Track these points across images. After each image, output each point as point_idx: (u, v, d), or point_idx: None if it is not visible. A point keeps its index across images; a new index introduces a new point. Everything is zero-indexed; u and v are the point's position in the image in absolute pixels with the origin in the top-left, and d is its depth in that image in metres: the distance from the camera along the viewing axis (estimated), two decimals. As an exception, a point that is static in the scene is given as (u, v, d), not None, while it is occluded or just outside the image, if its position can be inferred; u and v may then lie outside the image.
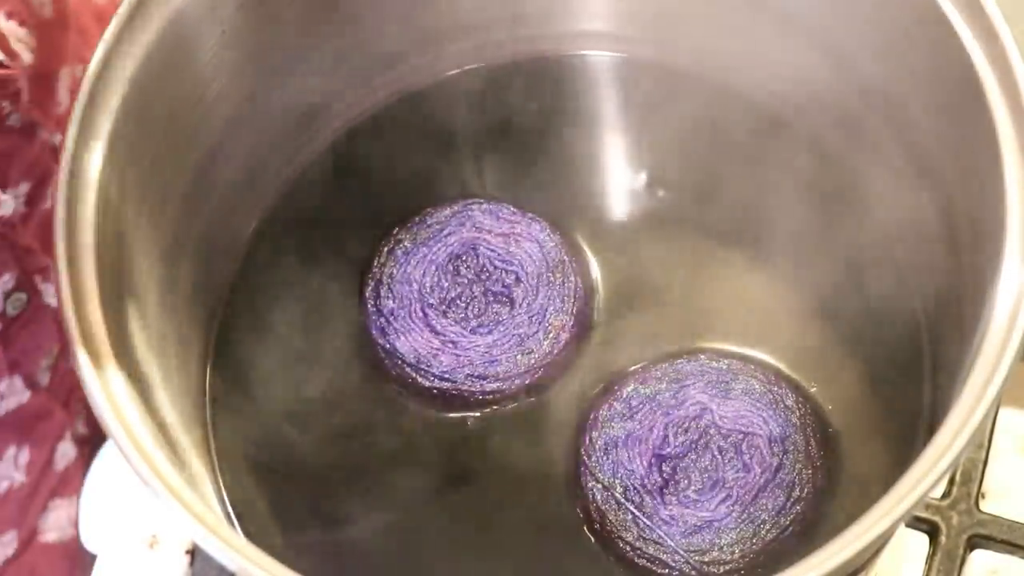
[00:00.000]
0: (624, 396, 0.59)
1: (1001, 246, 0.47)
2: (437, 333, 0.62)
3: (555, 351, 0.61)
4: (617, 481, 0.58)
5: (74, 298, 0.48)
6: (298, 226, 0.66)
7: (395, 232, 0.65)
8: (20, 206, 0.62)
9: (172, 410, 0.55)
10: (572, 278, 0.63)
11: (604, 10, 0.69)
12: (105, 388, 0.47)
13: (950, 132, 0.54)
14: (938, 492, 0.66)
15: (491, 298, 0.62)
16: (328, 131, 0.68)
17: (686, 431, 0.58)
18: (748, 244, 0.64)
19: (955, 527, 0.65)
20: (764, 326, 0.62)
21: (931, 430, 0.45)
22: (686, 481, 0.57)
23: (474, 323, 0.62)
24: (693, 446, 0.58)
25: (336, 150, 0.68)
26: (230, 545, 0.43)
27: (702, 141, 0.65)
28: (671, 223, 0.65)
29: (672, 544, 0.56)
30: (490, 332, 0.62)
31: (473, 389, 0.61)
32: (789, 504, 0.56)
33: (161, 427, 0.50)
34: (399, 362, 0.61)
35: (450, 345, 0.61)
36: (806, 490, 0.57)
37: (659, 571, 0.56)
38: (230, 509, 0.59)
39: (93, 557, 0.69)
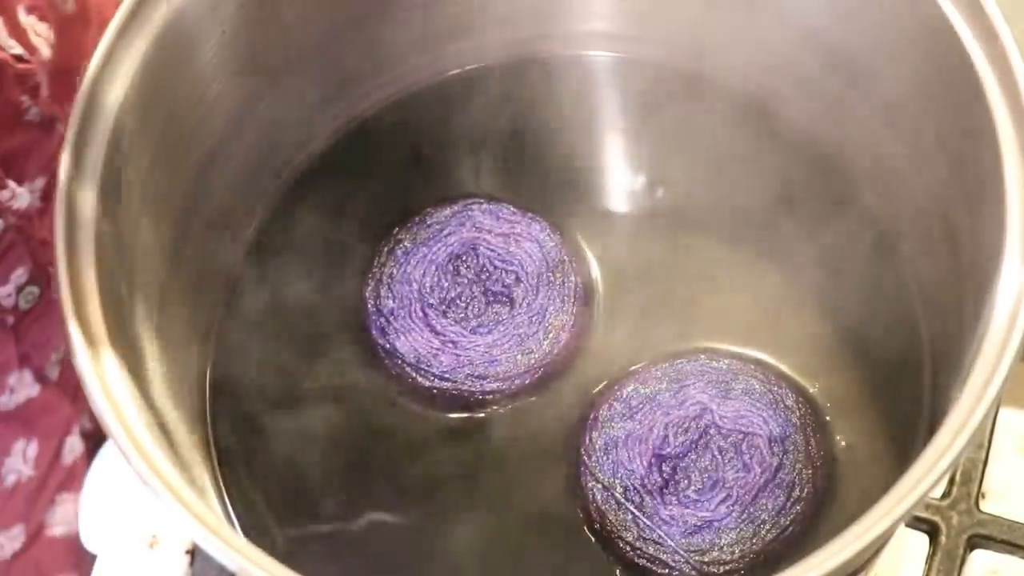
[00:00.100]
0: (624, 396, 0.59)
1: (1001, 246, 0.47)
2: (437, 333, 0.62)
3: (555, 351, 0.61)
4: (617, 481, 0.58)
5: (74, 298, 0.48)
6: (298, 226, 0.66)
7: (395, 232, 0.65)
8: (36, 200, 0.62)
9: (172, 410, 0.55)
10: (572, 278, 0.63)
11: (604, 10, 0.69)
12: (105, 388, 0.47)
13: (950, 132, 0.54)
14: (938, 492, 0.66)
15: (491, 298, 0.62)
16: (328, 131, 0.68)
17: (686, 431, 0.58)
18: (748, 244, 0.64)
19: (955, 527, 0.65)
20: (764, 326, 0.62)
21: (931, 430, 0.45)
22: (686, 481, 0.57)
23: (474, 323, 0.62)
24: (693, 446, 0.58)
25: (336, 150, 0.68)
26: (230, 545, 0.43)
27: (702, 141, 0.65)
28: (671, 223, 0.65)
29: (672, 544, 0.56)
30: (490, 332, 0.62)
31: (473, 389, 0.61)
32: (789, 504, 0.56)
33: (161, 427, 0.50)
34: (399, 362, 0.61)
35: (450, 345, 0.61)
36: (806, 490, 0.57)
37: (659, 571, 0.56)
38: (230, 509, 0.59)
39: (93, 557, 0.69)
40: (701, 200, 0.65)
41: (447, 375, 0.61)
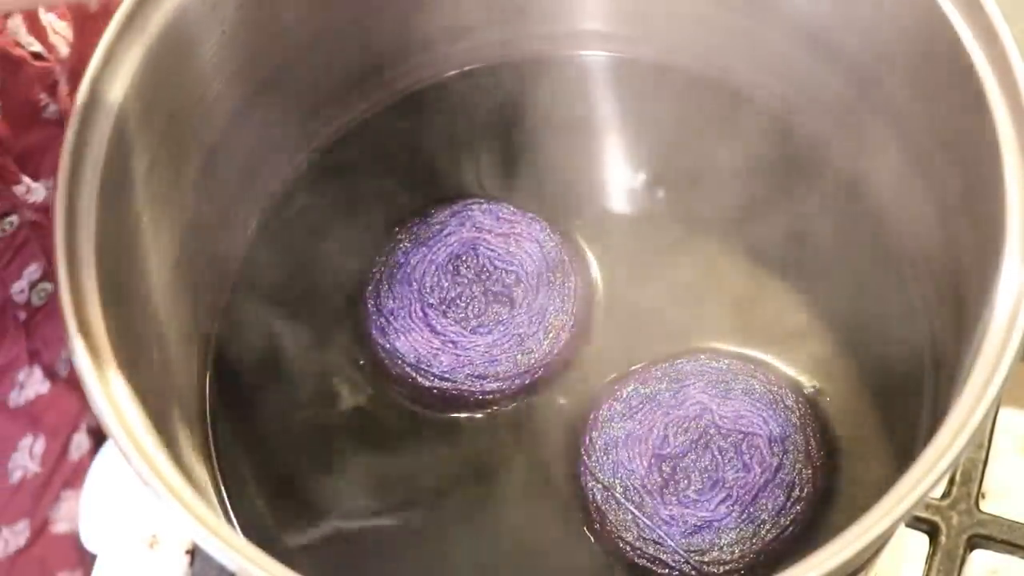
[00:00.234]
0: (624, 396, 0.59)
1: (1001, 246, 0.47)
2: (437, 333, 0.62)
3: (555, 351, 0.61)
4: (617, 481, 0.58)
5: (74, 298, 0.48)
6: (298, 226, 0.66)
7: (395, 232, 0.65)
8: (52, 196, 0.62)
9: (172, 410, 0.55)
10: (572, 278, 0.63)
11: (603, 10, 0.69)
12: (105, 388, 0.47)
13: (950, 132, 0.54)
14: (938, 492, 0.66)
15: (491, 298, 0.62)
16: (328, 131, 0.68)
17: (686, 431, 0.58)
18: (747, 243, 0.64)
19: (955, 527, 0.65)
20: (764, 326, 0.62)
21: (931, 430, 0.45)
22: (686, 481, 0.57)
23: (474, 323, 0.62)
24: (693, 446, 0.58)
25: (336, 150, 0.68)
26: (230, 545, 0.43)
27: (702, 141, 0.65)
28: (671, 223, 0.65)
29: (672, 544, 0.56)
30: (490, 332, 0.62)
31: (473, 389, 0.61)
32: (789, 504, 0.56)
33: (161, 427, 0.50)
34: (399, 362, 0.61)
35: (450, 345, 0.61)
36: (806, 490, 0.57)
37: (659, 571, 0.56)
38: (230, 509, 0.59)
39: (93, 557, 0.69)
40: (701, 200, 0.65)
41: (447, 375, 0.61)
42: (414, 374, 0.61)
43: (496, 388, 0.61)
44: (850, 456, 0.58)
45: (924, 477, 0.42)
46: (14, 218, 0.62)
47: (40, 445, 0.66)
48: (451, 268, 0.63)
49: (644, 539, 0.56)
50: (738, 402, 0.58)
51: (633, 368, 0.61)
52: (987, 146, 0.49)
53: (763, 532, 0.56)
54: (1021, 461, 0.68)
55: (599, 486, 0.58)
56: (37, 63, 0.60)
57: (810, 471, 0.57)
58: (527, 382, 0.61)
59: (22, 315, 0.64)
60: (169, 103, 0.56)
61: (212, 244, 0.62)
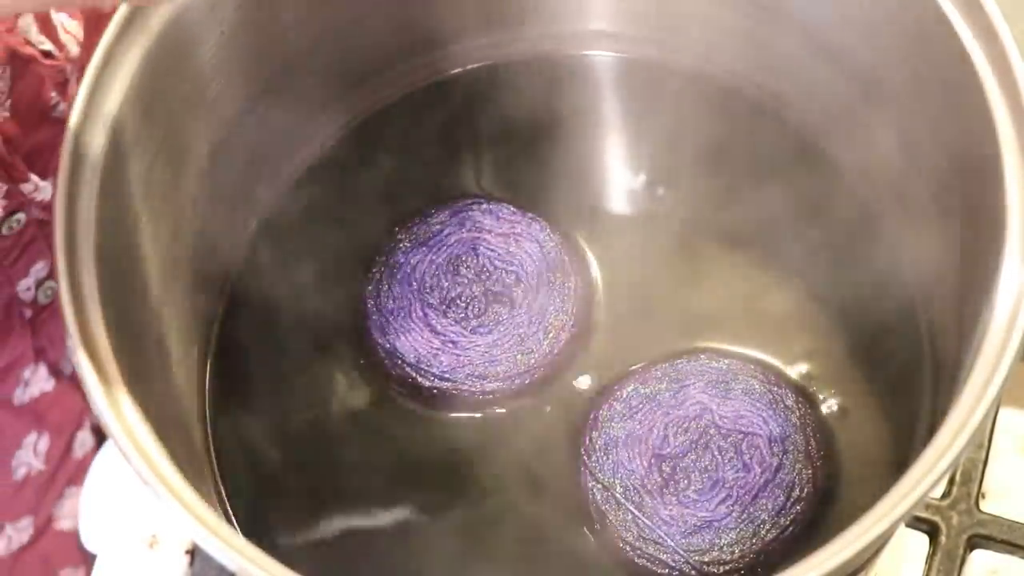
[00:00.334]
0: (624, 396, 0.59)
1: (1001, 246, 0.47)
2: (437, 333, 0.62)
3: (555, 351, 0.61)
4: (617, 481, 0.58)
5: (74, 298, 0.48)
6: (298, 226, 0.66)
7: (395, 232, 0.65)
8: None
9: (172, 410, 0.55)
10: (572, 278, 0.63)
11: (605, 10, 0.69)
12: (105, 388, 0.47)
13: (950, 132, 0.54)
14: (938, 492, 0.66)
15: (491, 298, 0.62)
16: (328, 131, 0.68)
17: (686, 431, 0.58)
18: (748, 244, 0.64)
19: (955, 527, 0.65)
20: (764, 326, 0.62)
21: (931, 430, 0.45)
22: (686, 481, 0.57)
23: (474, 323, 0.62)
24: (693, 446, 0.58)
25: (336, 150, 0.68)
26: (230, 545, 0.43)
27: (702, 141, 0.65)
28: (671, 223, 0.65)
29: (672, 544, 0.56)
30: (490, 332, 0.62)
31: (473, 389, 0.61)
32: (789, 504, 0.56)
33: (161, 427, 0.50)
34: (399, 362, 0.61)
35: (450, 345, 0.61)
36: (806, 490, 0.57)
37: (659, 571, 0.56)
38: (230, 509, 0.59)
39: (93, 557, 0.69)
40: (701, 200, 0.65)
41: (447, 375, 0.61)
42: (414, 374, 0.61)
43: (496, 388, 0.61)
44: (850, 456, 0.58)
45: (924, 477, 0.42)
46: (22, 216, 0.62)
47: (44, 442, 0.67)
48: (451, 268, 0.63)
49: (644, 539, 0.56)
50: (738, 402, 0.58)
51: (633, 368, 0.61)
52: (987, 146, 0.49)
53: (763, 532, 0.56)
54: (1021, 461, 0.68)
55: (599, 486, 0.58)
56: (47, 62, 0.60)
57: (810, 471, 0.57)
58: (527, 382, 0.61)
59: (28, 313, 0.64)
60: (169, 103, 0.56)
61: (212, 244, 0.62)
